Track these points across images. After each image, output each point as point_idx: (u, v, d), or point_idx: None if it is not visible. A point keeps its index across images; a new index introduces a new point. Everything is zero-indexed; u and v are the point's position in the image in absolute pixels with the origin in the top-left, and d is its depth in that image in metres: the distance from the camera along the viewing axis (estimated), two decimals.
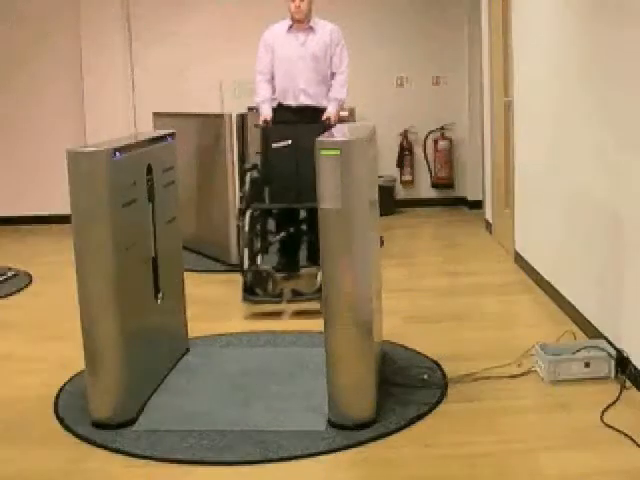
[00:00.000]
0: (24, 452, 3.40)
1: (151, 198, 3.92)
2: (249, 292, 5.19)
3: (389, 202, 8.25)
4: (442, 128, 8.71)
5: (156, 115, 7.34)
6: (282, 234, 5.90)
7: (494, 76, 6.94)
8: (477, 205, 8.18)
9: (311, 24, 5.81)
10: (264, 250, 5.96)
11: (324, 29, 5.82)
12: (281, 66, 5.77)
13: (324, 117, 5.69)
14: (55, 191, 6.97)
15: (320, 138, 3.48)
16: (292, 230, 5.85)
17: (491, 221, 7.30)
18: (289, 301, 5.13)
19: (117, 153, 3.48)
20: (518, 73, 6.01)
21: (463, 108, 8.65)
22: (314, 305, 4.86)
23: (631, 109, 3.73)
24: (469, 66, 8.49)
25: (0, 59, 8.50)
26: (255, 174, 5.79)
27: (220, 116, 6.50)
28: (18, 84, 8.53)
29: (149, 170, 3.90)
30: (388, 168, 8.52)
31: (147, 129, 7.25)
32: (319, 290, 4.32)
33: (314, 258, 5.17)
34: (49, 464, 3.28)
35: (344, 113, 7.01)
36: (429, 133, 8.78)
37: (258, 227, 5.83)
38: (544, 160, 5.33)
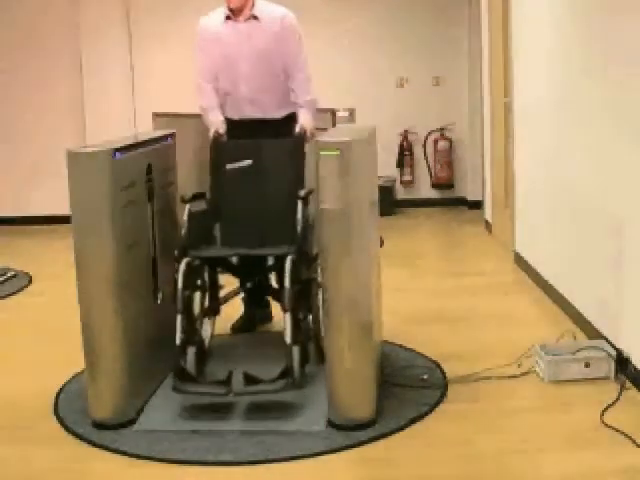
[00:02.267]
0: (24, 452, 3.40)
1: (151, 198, 3.92)
2: (183, 377, 3.66)
3: (389, 202, 8.25)
4: (442, 128, 8.72)
5: (156, 115, 7.33)
6: (236, 289, 4.51)
7: (494, 76, 6.95)
8: (477, 205, 8.18)
9: (254, 12, 4.38)
10: (212, 313, 4.36)
11: (272, 16, 4.40)
12: (218, 68, 4.46)
13: (297, 129, 4.31)
14: (55, 191, 6.96)
15: (319, 138, 3.47)
16: (254, 283, 4.39)
17: (491, 221, 7.30)
18: (238, 394, 3.58)
19: (117, 153, 3.48)
20: (518, 73, 6.01)
21: (463, 108, 8.65)
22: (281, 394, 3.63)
23: (631, 109, 3.73)
24: (469, 66, 8.49)
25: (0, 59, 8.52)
26: (198, 206, 4.21)
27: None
28: (18, 84, 8.54)
29: (149, 170, 3.91)
30: (388, 168, 8.52)
31: (147, 129, 7.25)
32: (285, 374, 3.56)
33: (284, 304, 3.75)
34: (49, 464, 3.28)
35: (343, 114, 6.99)
36: (429, 133, 8.78)
37: (201, 280, 4.18)
38: (544, 160, 5.33)
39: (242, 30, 4.39)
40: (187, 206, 4.12)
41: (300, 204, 3.98)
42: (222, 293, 4.39)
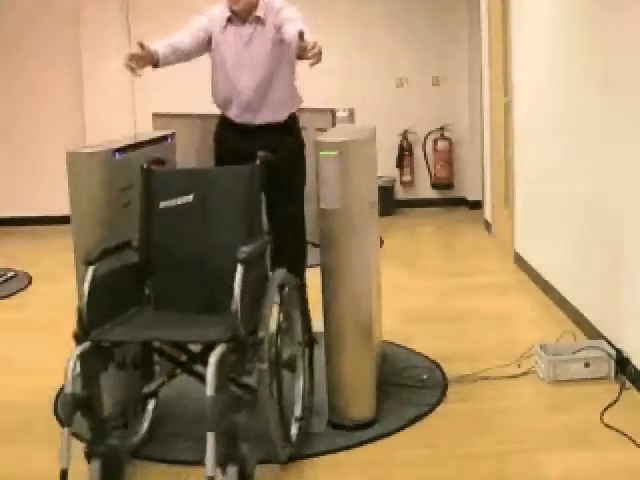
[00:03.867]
0: (24, 452, 3.40)
1: None
2: None
3: (389, 202, 8.25)
4: (442, 128, 8.71)
5: (156, 115, 7.33)
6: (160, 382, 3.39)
7: (494, 76, 6.94)
8: (477, 205, 8.18)
9: (258, 13, 4.03)
10: (141, 405, 3.45)
11: (273, 11, 4.03)
12: (218, 74, 4.17)
13: (303, 45, 3.48)
14: (55, 192, 6.96)
15: (319, 138, 3.47)
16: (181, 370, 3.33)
17: (491, 221, 7.30)
18: None
19: (117, 153, 3.48)
20: (518, 73, 6.01)
21: (463, 108, 8.65)
22: None
23: (632, 109, 3.73)
24: (469, 66, 8.49)
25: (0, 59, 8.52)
26: (105, 268, 3.11)
27: (220, 116, 6.49)
28: (18, 85, 8.53)
29: None
30: (388, 168, 8.51)
31: (147, 129, 7.25)
32: None
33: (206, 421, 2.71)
34: (49, 464, 3.28)
35: (343, 114, 6.98)
36: (429, 133, 8.78)
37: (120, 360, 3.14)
38: (544, 160, 5.33)
39: (243, 34, 4.06)
40: (89, 269, 3.01)
41: (240, 268, 2.86)
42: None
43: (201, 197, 3.30)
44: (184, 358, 3.26)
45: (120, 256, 3.24)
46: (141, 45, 3.73)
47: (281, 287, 3.21)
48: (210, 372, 2.69)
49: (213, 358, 2.72)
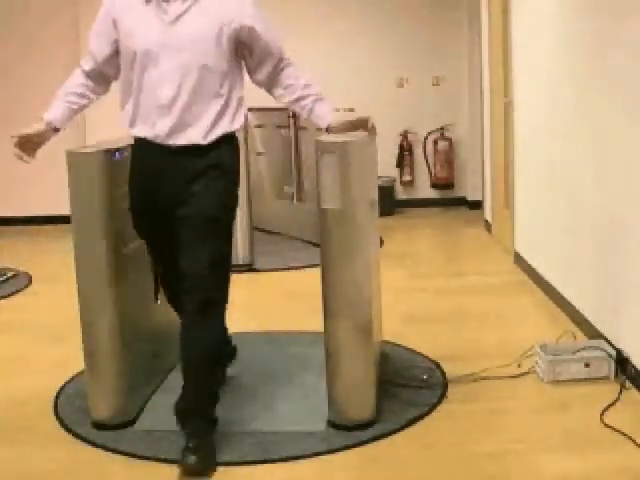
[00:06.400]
0: (24, 452, 3.39)
1: None
2: None
3: (389, 202, 8.25)
4: (442, 128, 8.72)
5: None
6: None
7: (494, 76, 6.94)
8: (477, 205, 8.19)
9: None
10: None
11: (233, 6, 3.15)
12: (130, 64, 3.18)
13: (325, 126, 3.34)
14: (55, 191, 6.96)
15: (319, 138, 3.46)
16: None
17: (491, 221, 7.30)
18: None
19: (117, 153, 3.48)
20: (518, 73, 6.01)
21: (463, 108, 8.66)
22: None
23: (632, 108, 3.73)
24: (469, 66, 8.50)
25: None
26: None
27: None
28: (17, 84, 8.53)
29: None
30: (388, 168, 8.52)
31: None
32: None
33: None
34: (49, 464, 3.28)
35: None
36: (429, 133, 8.79)
37: None
38: (544, 160, 5.33)
39: (168, 9, 3.12)
40: None
41: None
42: None
43: None
44: None
45: None
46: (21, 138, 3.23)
47: None
48: None
49: None
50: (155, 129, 3.17)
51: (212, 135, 3.19)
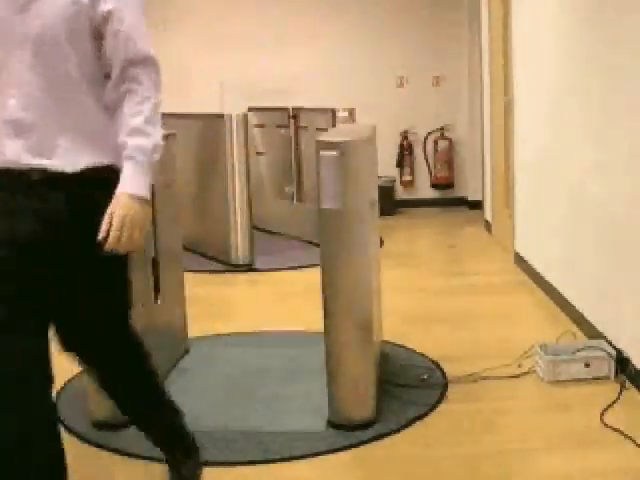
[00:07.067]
0: None
1: (151, 198, 3.90)
2: None
3: (389, 202, 8.25)
4: (442, 128, 8.72)
5: None
6: None
7: (494, 76, 6.95)
8: (477, 205, 8.19)
9: None
10: None
11: None
12: None
13: (101, 234, 2.35)
14: None
15: (319, 138, 3.46)
16: None
17: (491, 221, 7.30)
18: None
19: None
20: (518, 73, 6.01)
21: (463, 108, 8.66)
22: None
23: (632, 108, 3.73)
24: (469, 66, 8.50)
25: None
26: None
27: (220, 116, 6.50)
28: None
29: None
30: (388, 168, 8.52)
31: None
32: None
33: None
34: None
35: (343, 113, 6.99)
36: (429, 133, 8.79)
37: None
38: (544, 160, 5.33)
39: None
40: None
41: None
42: None
43: None
44: None
45: None
46: None
47: None
48: None
49: None
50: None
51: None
